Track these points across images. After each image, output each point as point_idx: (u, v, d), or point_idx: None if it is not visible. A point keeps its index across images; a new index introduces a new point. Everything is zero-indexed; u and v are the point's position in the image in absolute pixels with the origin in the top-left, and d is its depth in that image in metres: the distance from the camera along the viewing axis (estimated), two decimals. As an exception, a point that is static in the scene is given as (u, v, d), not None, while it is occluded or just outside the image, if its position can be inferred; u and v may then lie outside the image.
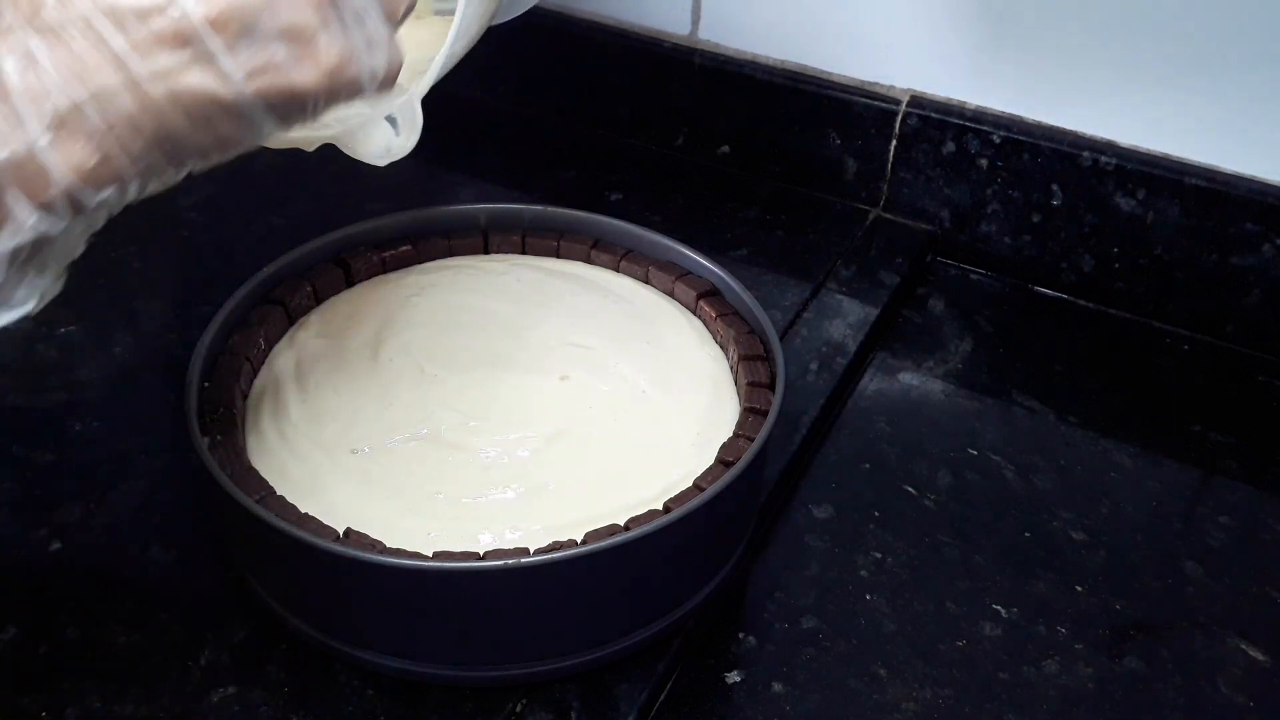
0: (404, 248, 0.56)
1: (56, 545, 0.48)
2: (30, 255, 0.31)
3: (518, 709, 0.43)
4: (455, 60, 0.44)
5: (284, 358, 0.51)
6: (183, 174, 0.33)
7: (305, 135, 0.41)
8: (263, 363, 0.50)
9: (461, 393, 0.49)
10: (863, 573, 0.50)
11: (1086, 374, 0.62)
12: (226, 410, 0.46)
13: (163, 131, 0.31)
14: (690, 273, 0.55)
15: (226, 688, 0.43)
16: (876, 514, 0.53)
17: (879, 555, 0.51)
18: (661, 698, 0.45)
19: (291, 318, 0.53)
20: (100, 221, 0.33)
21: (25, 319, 0.33)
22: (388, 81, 0.35)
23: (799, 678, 0.45)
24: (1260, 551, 0.52)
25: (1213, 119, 0.61)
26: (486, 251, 0.58)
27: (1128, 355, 0.64)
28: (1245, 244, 0.62)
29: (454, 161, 0.76)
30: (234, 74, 0.31)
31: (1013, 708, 0.45)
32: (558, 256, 0.58)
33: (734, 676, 0.45)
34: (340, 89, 0.33)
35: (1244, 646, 0.48)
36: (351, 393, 0.49)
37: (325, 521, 0.42)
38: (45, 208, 0.30)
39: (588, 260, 0.57)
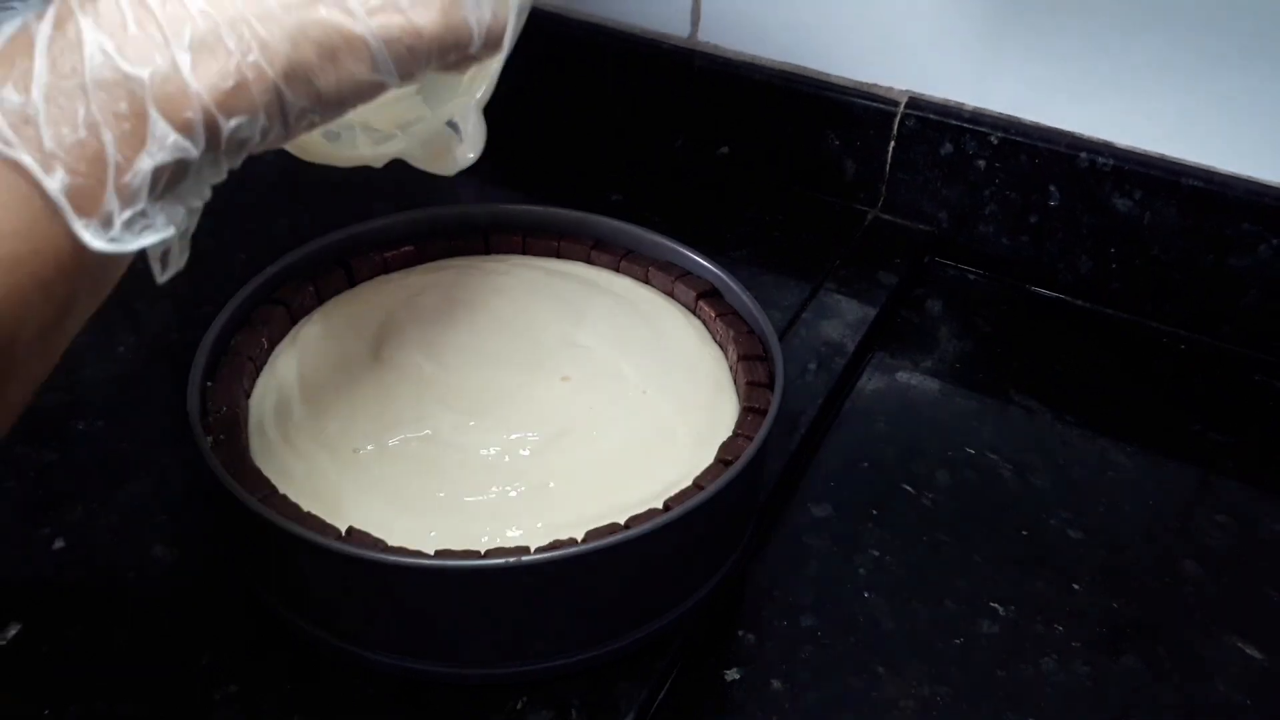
0: (406, 248, 0.56)
1: (59, 544, 0.48)
2: (170, 181, 0.32)
3: (518, 708, 0.43)
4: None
5: (286, 357, 0.51)
6: (298, 130, 0.34)
7: (375, 151, 0.42)
8: (265, 363, 0.51)
9: (463, 392, 0.49)
10: (861, 571, 0.50)
11: (1084, 374, 0.63)
12: (229, 410, 0.46)
13: (294, 61, 0.32)
14: (690, 273, 0.55)
15: (228, 687, 0.43)
16: (875, 513, 0.53)
17: (877, 554, 0.51)
18: (661, 696, 0.45)
19: (294, 318, 0.53)
20: (225, 169, 0.34)
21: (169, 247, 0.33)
22: (493, 40, 0.36)
23: (798, 676, 0.46)
24: (1258, 551, 0.52)
25: (1210, 120, 0.61)
26: (487, 252, 0.58)
27: (1125, 355, 0.65)
28: (1242, 244, 0.62)
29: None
30: (359, 9, 0.33)
31: (1010, 705, 0.45)
32: (558, 257, 0.58)
33: (733, 674, 0.46)
34: (452, 37, 0.35)
35: (1241, 645, 0.48)
36: (353, 392, 0.49)
37: (327, 520, 0.42)
38: (184, 128, 0.31)
39: (588, 260, 0.57)
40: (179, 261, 0.34)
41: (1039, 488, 0.55)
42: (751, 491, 0.49)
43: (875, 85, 0.70)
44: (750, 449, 0.44)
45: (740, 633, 0.47)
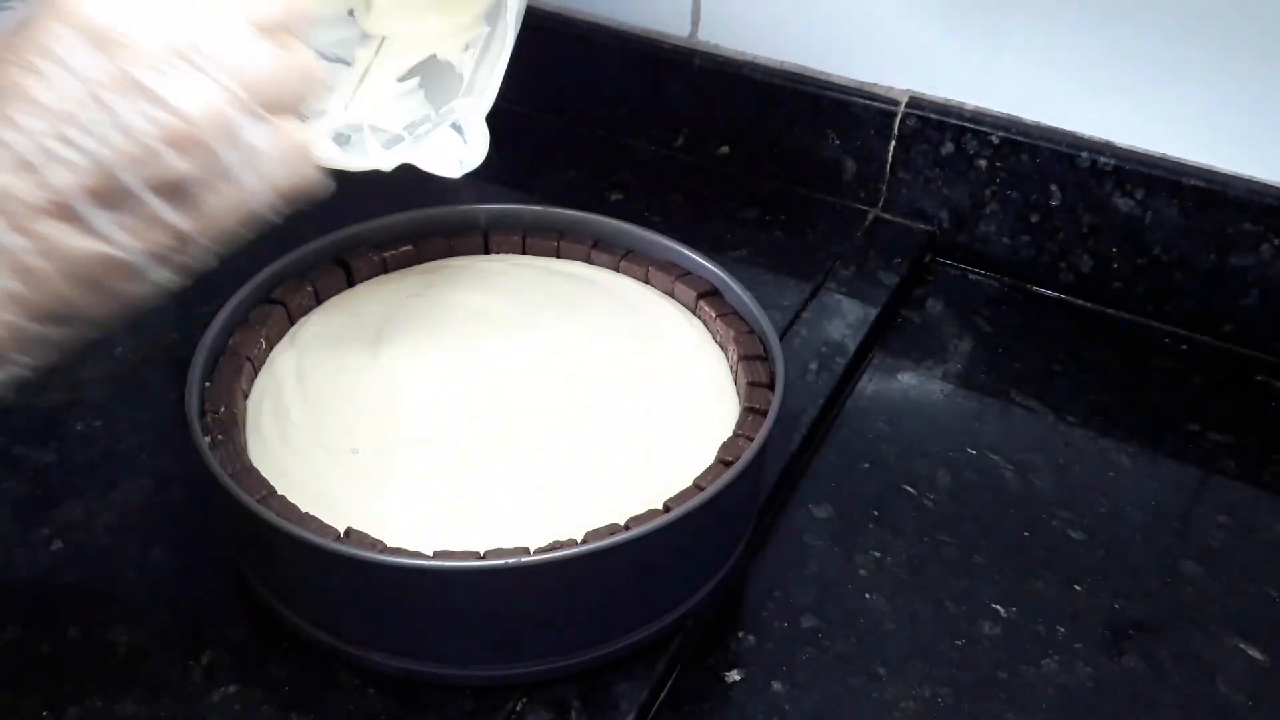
0: (405, 248, 0.56)
1: (58, 545, 0.48)
2: None
3: (518, 708, 0.43)
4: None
5: (285, 358, 0.51)
6: (81, 337, 0.32)
7: (386, 157, 0.42)
8: (264, 363, 0.51)
9: (462, 393, 0.49)
10: (862, 572, 0.50)
11: (1085, 374, 0.62)
12: (228, 410, 0.46)
13: (52, 303, 0.30)
14: (690, 273, 0.55)
15: (227, 687, 0.43)
16: (876, 513, 0.53)
17: (878, 554, 0.51)
18: (661, 697, 0.45)
19: (292, 318, 0.53)
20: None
21: None
22: (295, 187, 0.33)
23: (798, 677, 0.45)
24: (1258, 551, 0.52)
25: (1211, 119, 0.61)
26: (487, 251, 0.58)
27: (1126, 355, 0.64)
28: (1243, 244, 0.62)
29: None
30: (115, 233, 0.30)
31: (1012, 706, 0.45)
32: (558, 256, 0.58)
33: (733, 675, 0.46)
34: (232, 223, 0.32)
35: (1242, 645, 0.48)
36: (352, 393, 0.49)
37: (326, 521, 0.42)
38: None
39: (588, 260, 0.57)
40: None
41: (1040, 488, 0.55)
42: (751, 492, 0.49)
43: (876, 85, 0.70)
44: (751, 449, 0.44)
45: (740, 633, 0.47)
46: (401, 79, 0.47)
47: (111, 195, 0.29)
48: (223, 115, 0.30)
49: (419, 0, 0.49)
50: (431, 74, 0.47)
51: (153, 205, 0.30)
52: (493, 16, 0.47)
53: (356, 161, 0.41)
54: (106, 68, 0.29)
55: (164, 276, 0.32)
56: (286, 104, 0.32)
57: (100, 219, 0.29)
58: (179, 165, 0.30)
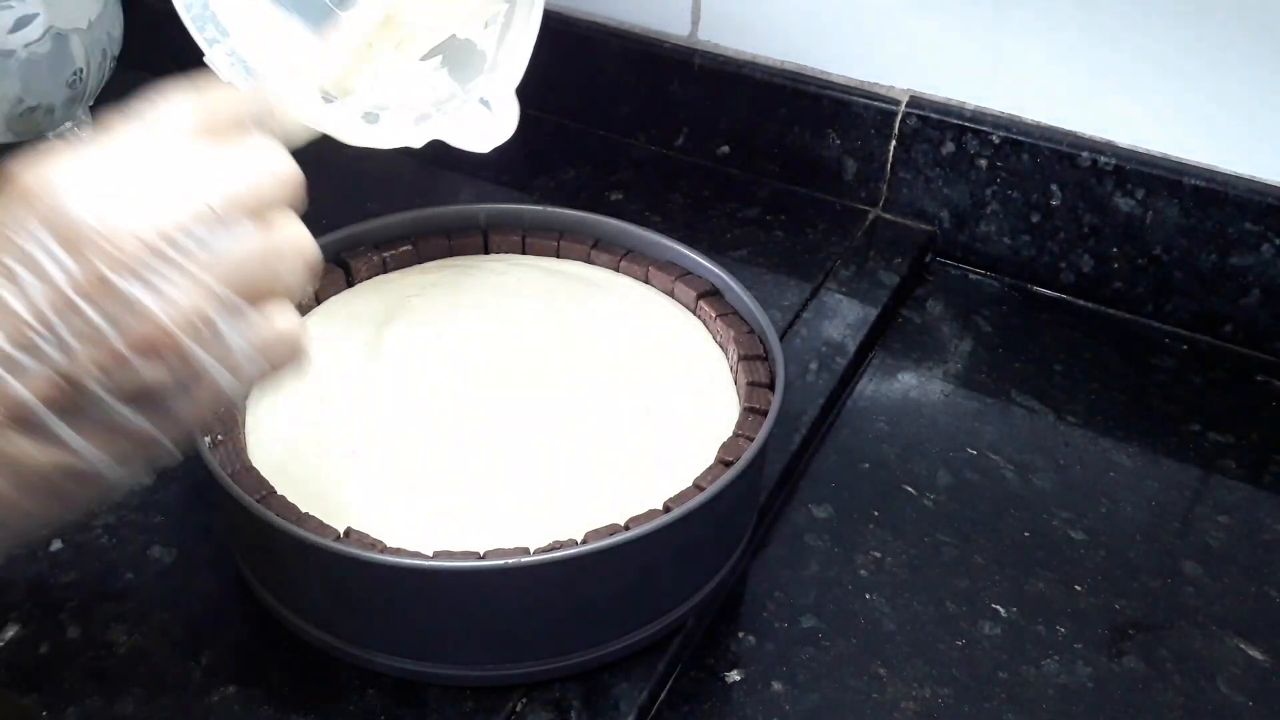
0: (404, 247, 0.56)
1: (57, 545, 0.48)
2: None
3: (518, 708, 0.43)
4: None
5: (284, 358, 0.51)
6: (26, 537, 0.30)
7: (415, 132, 0.42)
8: (263, 363, 0.50)
9: (462, 392, 0.49)
10: (862, 572, 0.50)
11: (1085, 374, 0.62)
12: (227, 410, 0.46)
13: (10, 517, 0.28)
14: (690, 273, 0.55)
15: (226, 687, 0.43)
16: (876, 514, 0.53)
17: (878, 555, 0.51)
18: (661, 697, 0.45)
19: (292, 318, 0.53)
20: None
21: None
22: (278, 375, 0.30)
23: (799, 677, 0.45)
24: (1259, 551, 0.52)
25: (1212, 119, 0.61)
26: (487, 251, 0.58)
27: (1127, 355, 0.64)
28: (1244, 244, 0.62)
29: (454, 161, 0.75)
30: (78, 443, 0.28)
31: (1012, 707, 0.45)
32: (558, 256, 0.58)
33: (734, 676, 0.46)
34: (202, 420, 0.30)
35: (1243, 646, 0.48)
36: (352, 393, 0.49)
37: (325, 521, 0.42)
38: None
39: (588, 260, 0.57)
40: None
41: (1040, 488, 0.55)
42: (751, 492, 0.49)
43: (876, 84, 0.70)
44: (751, 449, 0.44)
45: (740, 634, 0.47)
46: (424, 58, 0.47)
47: (75, 404, 0.27)
48: (200, 315, 0.28)
49: None
50: (453, 53, 0.47)
51: (120, 413, 0.28)
52: None
53: (388, 138, 0.41)
54: (78, 270, 0.27)
55: (122, 478, 0.29)
56: (269, 288, 0.29)
57: (62, 429, 0.28)
58: (150, 374, 0.28)
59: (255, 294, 0.29)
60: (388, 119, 0.41)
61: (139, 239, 0.27)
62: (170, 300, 0.28)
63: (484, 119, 0.43)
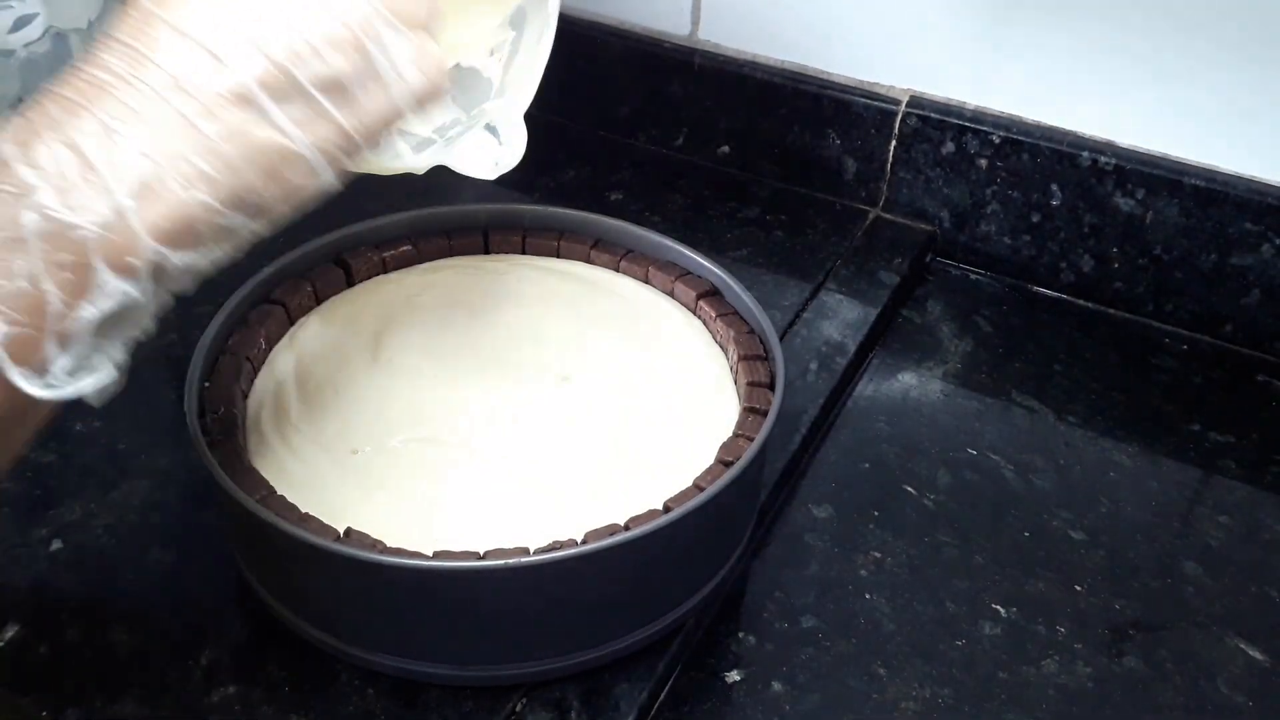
0: (404, 247, 0.56)
1: (57, 545, 0.48)
2: (112, 324, 0.32)
3: (518, 709, 0.43)
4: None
5: (284, 358, 0.51)
6: (260, 232, 0.34)
7: (419, 160, 0.42)
8: (263, 363, 0.50)
9: (462, 393, 0.49)
10: (862, 572, 0.50)
11: (1085, 374, 0.62)
12: (227, 410, 0.46)
13: (237, 188, 0.32)
14: (690, 273, 0.55)
15: (227, 688, 0.43)
16: (876, 514, 0.53)
17: (878, 555, 0.51)
18: (661, 697, 0.45)
19: (292, 318, 0.53)
20: (170, 298, 0.34)
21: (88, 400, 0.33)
22: (431, 94, 0.36)
23: (799, 677, 0.45)
24: (1259, 551, 0.52)
25: (1212, 119, 0.61)
26: (487, 251, 0.58)
27: (1127, 355, 0.64)
28: (1244, 244, 0.62)
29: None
30: (289, 126, 0.33)
31: (1012, 707, 0.45)
32: (558, 256, 0.58)
33: (734, 676, 0.46)
34: (384, 124, 0.35)
35: (1243, 646, 0.48)
36: (352, 393, 0.49)
37: (326, 521, 0.42)
38: (129, 273, 0.31)
39: (588, 260, 0.57)
40: (114, 390, 0.34)
41: (1040, 488, 0.55)
42: (751, 492, 0.49)
43: (876, 84, 0.70)
44: (751, 449, 0.44)
45: (741, 634, 0.47)
46: None
47: (283, 89, 0.32)
48: (372, 23, 0.33)
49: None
50: (458, 80, 0.47)
51: (318, 100, 0.33)
52: (518, 21, 0.47)
53: (390, 164, 0.42)
54: None
55: (328, 176, 0.34)
56: (419, 19, 0.35)
57: (275, 111, 0.32)
58: (339, 64, 0.33)
59: (408, 21, 0.35)
60: (388, 145, 0.41)
61: None
62: (350, 7, 0.33)
63: (490, 145, 0.43)
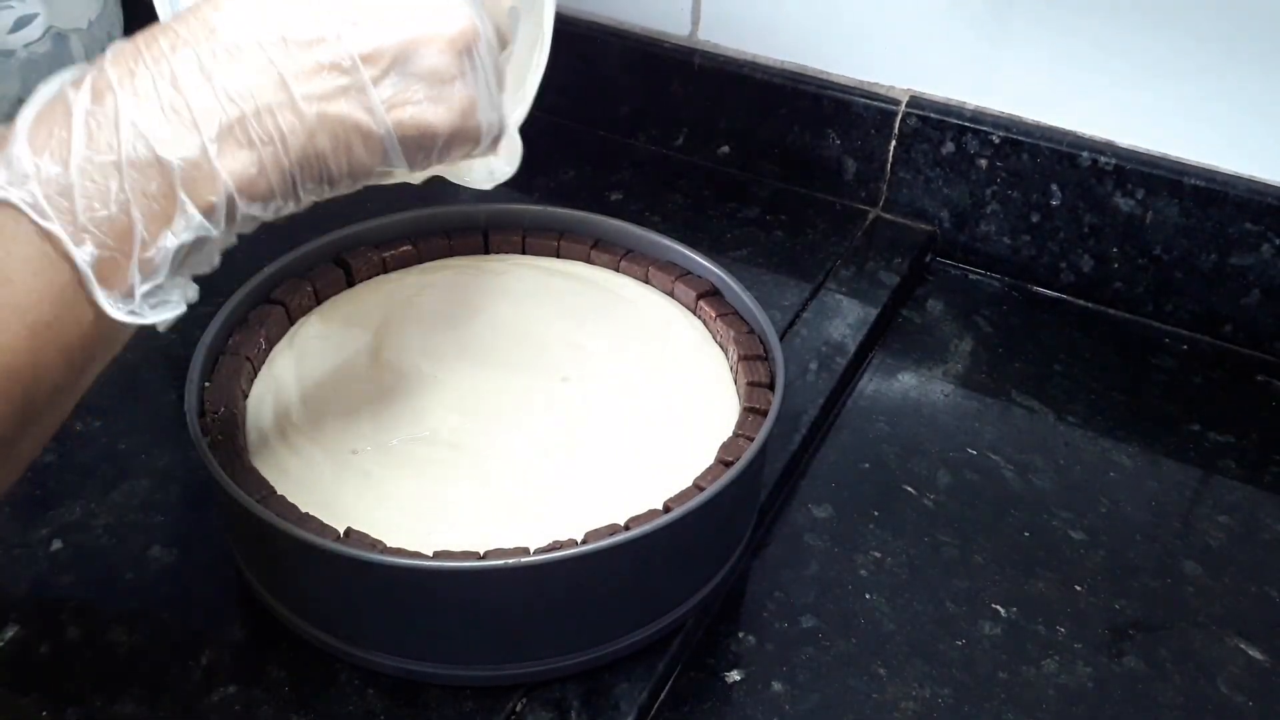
0: (404, 248, 0.56)
1: (57, 545, 0.48)
2: (186, 256, 0.33)
3: (518, 709, 0.43)
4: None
5: (285, 358, 0.51)
6: (307, 201, 0.35)
7: (411, 172, 0.42)
8: (263, 363, 0.50)
9: (462, 393, 0.49)
10: (862, 572, 0.50)
11: (1085, 374, 0.62)
12: (227, 410, 0.46)
13: (310, 150, 0.34)
14: (690, 273, 0.55)
15: (227, 687, 0.43)
16: (876, 514, 0.53)
17: (878, 555, 0.51)
18: (661, 697, 0.45)
19: (292, 318, 0.53)
20: (234, 238, 0.35)
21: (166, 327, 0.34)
22: (496, 140, 0.38)
23: (799, 677, 0.45)
24: (1259, 551, 0.52)
25: (1212, 119, 0.61)
26: (487, 251, 0.58)
27: (1127, 355, 0.64)
28: (1244, 244, 0.62)
29: (454, 161, 0.75)
30: (377, 104, 0.34)
31: (1012, 707, 0.45)
32: (558, 256, 0.58)
33: (734, 676, 0.46)
34: (463, 135, 0.36)
35: (1243, 646, 0.48)
36: (352, 393, 0.49)
37: (326, 521, 0.42)
38: (207, 210, 0.32)
39: (588, 260, 0.57)
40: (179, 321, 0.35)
41: (1040, 488, 0.55)
42: (751, 492, 0.49)
43: (876, 84, 0.70)
44: (751, 449, 0.44)
45: (741, 634, 0.47)
46: None
47: (384, 64, 0.34)
48: (473, 29, 0.35)
49: None
50: None
51: (410, 86, 0.34)
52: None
53: (464, 176, 0.42)
54: None
55: (398, 161, 0.35)
56: (504, 36, 0.37)
57: (368, 82, 0.33)
58: (436, 59, 0.34)
59: (502, 40, 0.37)
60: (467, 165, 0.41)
61: None
62: (462, 16, 0.35)
63: (487, 159, 0.43)
